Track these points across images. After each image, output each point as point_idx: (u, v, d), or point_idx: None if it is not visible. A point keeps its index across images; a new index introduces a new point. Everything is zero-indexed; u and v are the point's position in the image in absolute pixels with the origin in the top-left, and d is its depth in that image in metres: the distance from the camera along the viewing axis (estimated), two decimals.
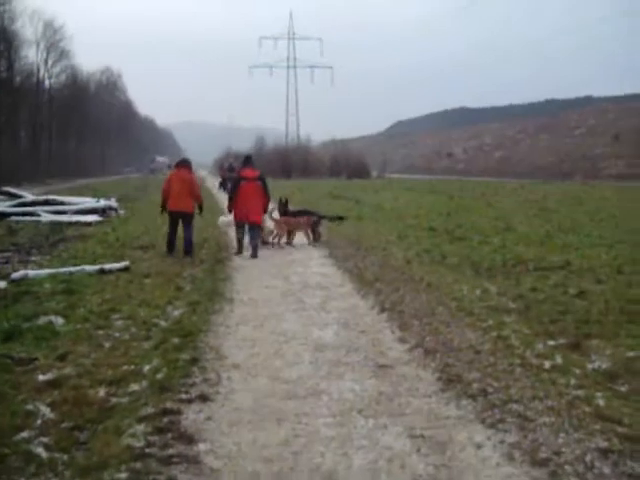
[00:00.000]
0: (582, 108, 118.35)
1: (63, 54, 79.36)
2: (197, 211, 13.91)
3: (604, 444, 4.50)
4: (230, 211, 14.22)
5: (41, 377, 5.89)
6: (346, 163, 78.24)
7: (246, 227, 13.91)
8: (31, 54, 73.41)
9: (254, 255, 13.46)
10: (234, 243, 14.26)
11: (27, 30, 71.78)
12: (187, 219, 13.41)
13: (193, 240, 13.56)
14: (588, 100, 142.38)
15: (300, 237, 15.42)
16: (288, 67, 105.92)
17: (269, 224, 15.46)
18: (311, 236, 15.18)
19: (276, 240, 15.04)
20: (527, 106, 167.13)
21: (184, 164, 13.95)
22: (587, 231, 16.38)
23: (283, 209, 15.62)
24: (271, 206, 14.54)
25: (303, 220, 15.24)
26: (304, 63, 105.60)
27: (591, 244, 13.95)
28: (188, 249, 13.25)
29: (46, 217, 20.81)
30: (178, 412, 5.11)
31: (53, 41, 76.53)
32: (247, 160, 14.50)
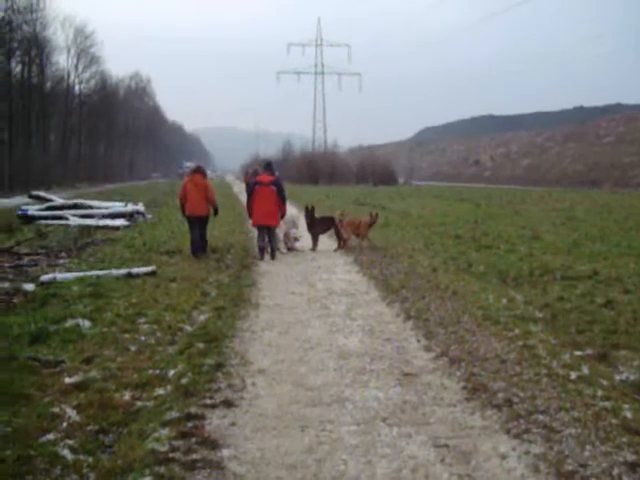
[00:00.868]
0: (611, 116, 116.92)
1: (93, 60, 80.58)
2: (212, 214, 14.70)
3: (632, 457, 4.43)
4: (250, 216, 14.92)
5: (67, 380, 5.96)
6: (373, 170, 78.09)
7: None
8: (62, 60, 74.75)
9: (273, 256, 14.13)
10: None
11: (59, 36, 73.25)
12: (202, 222, 14.23)
13: (207, 240, 14.45)
14: (617, 107, 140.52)
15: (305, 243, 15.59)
16: (316, 73, 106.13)
17: (293, 231, 15.53)
18: (365, 241, 15.23)
19: (349, 243, 15.25)
20: (555, 114, 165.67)
21: (198, 171, 14.68)
22: (615, 240, 16.16)
23: (310, 216, 15.59)
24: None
25: (364, 221, 15.21)
26: (332, 70, 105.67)
27: (619, 253, 13.77)
28: (202, 248, 14.13)
29: (75, 221, 21.04)
30: (202, 417, 5.13)
31: (84, 47, 77.76)
32: (267, 166, 14.98)
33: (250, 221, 15.33)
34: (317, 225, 15.53)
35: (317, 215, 15.84)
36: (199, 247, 14.00)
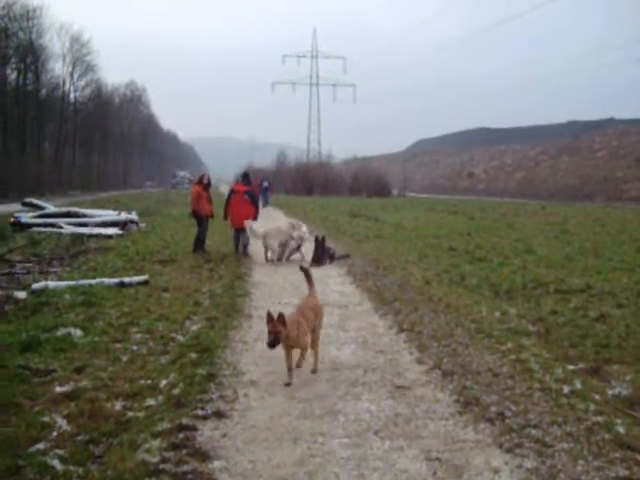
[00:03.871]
0: (604, 130, 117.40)
1: (89, 68, 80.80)
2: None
3: (624, 472, 4.42)
4: (225, 218, 16.60)
5: (58, 389, 5.92)
6: (367, 181, 78.34)
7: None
8: (57, 68, 74.90)
9: (245, 253, 16.20)
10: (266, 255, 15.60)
11: (54, 44, 73.30)
12: (199, 222, 16.49)
13: (204, 239, 16.56)
14: (611, 122, 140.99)
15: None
16: (311, 84, 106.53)
17: (294, 242, 15.42)
18: None
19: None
20: (549, 127, 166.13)
21: (198, 180, 17.10)
22: (608, 254, 16.22)
23: (321, 248, 15.06)
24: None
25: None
26: (327, 81, 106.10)
27: (612, 267, 13.81)
28: (200, 246, 16.27)
29: (67, 229, 20.97)
30: (194, 428, 5.10)
31: (79, 55, 77.98)
32: (244, 177, 17.47)
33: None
34: (325, 256, 15.07)
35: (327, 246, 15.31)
36: (198, 244, 16.24)
